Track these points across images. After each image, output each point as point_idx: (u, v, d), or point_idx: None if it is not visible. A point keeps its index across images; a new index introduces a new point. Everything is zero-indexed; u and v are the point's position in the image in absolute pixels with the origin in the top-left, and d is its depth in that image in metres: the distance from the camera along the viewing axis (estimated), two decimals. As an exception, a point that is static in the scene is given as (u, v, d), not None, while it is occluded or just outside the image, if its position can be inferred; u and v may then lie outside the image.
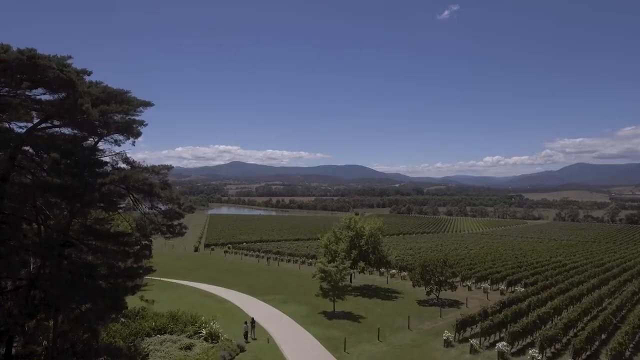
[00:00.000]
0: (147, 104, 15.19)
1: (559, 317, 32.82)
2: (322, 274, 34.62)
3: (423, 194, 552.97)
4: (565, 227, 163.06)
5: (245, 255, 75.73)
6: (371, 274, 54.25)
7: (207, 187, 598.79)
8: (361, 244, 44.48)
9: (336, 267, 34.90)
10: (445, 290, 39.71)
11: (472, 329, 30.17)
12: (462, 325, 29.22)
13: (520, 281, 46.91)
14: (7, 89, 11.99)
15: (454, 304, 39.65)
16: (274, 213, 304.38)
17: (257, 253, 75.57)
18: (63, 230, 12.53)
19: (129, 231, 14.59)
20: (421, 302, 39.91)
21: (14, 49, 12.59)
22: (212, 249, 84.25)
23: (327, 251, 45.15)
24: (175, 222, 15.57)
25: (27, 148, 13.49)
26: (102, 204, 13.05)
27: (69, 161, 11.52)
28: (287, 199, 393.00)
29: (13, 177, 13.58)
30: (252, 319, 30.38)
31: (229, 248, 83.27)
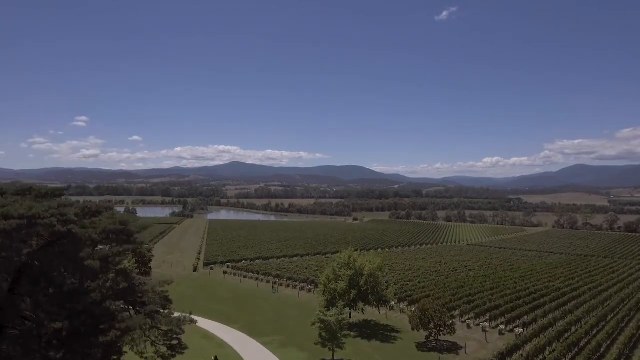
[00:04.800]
0: (145, 228, 15.29)
1: (557, 370, 33.02)
2: (321, 325, 34.65)
3: (422, 196, 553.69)
4: (564, 236, 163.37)
5: (245, 277, 75.69)
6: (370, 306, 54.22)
7: (206, 189, 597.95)
8: (360, 284, 44.41)
9: (335, 317, 34.93)
10: (444, 334, 39.73)
11: (471, 386, 30.22)
12: (461, 385, 29.25)
13: (519, 318, 47.07)
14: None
15: (453, 348, 39.67)
16: (273, 218, 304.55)
17: (257, 275, 75.58)
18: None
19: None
20: (420, 346, 39.90)
21: (11, 187, 12.65)
22: (212, 268, 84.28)
23: (326, 290, 45.13)
24: (176, 342, 15.67)
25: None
26: (102, 350, 13.13)
27: (73, 325, 11.64)
28: (286, 203, 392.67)
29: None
30: (215, 357, 33.39)
31: (227, 267, 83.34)
